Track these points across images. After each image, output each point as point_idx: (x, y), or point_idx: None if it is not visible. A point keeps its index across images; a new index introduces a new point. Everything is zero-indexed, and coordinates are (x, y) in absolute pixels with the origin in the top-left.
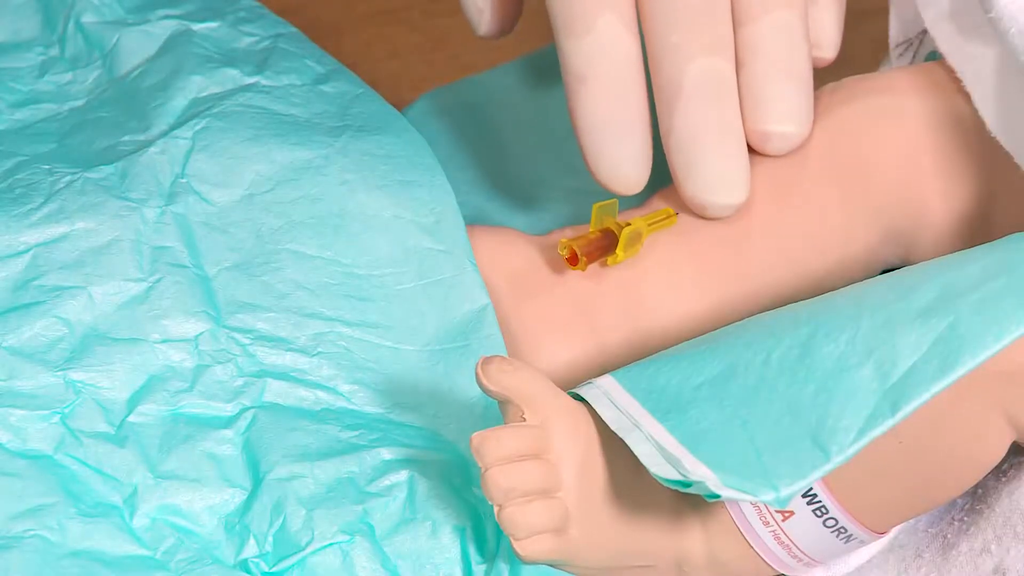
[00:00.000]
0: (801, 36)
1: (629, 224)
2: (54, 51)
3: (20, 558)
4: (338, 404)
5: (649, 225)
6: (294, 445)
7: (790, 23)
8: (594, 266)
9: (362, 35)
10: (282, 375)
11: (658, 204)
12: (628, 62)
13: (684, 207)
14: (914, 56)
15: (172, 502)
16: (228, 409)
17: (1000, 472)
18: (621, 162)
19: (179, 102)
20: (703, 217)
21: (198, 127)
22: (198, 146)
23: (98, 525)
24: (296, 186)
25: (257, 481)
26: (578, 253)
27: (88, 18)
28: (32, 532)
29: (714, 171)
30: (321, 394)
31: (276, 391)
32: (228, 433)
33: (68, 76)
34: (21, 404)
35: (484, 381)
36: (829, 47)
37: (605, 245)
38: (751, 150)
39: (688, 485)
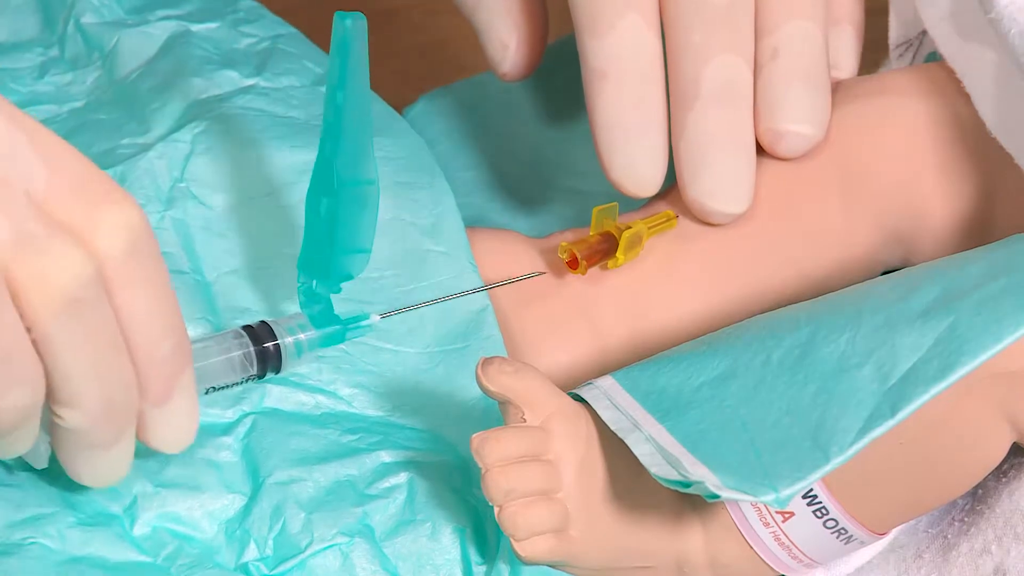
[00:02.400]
0: (821, 45)
1: (629, 227)
2: (54, 52)
3: (20, 564)
4: (339, 408)
5: (649, 228)
6: (294, 449)
7: (811, 31)
8: (594, 269)
9: None
10: (282, 380)
11: (658, 206)
12: (650, 61)
13: (685, 210)
14: (914, 57)
15: (172, 510)
16: (228, 415)
17: (1000, 473)
18: (636, 160)
19: (178, 104)
20: (704, 222)
21: (197, 130)
22: (197, 150)
23: (98, 533)
24: (295, 189)
25: (257, 486)
26: (578, 257)
27: (88, 19)
28: (31, 540)
29: (720, 178)
30: (321, 398)
31: (276, 396)
32: (227, 440)
33: (68, 77)
34: None
35: (484, 382)
36: (846, 70)
37: (605, 249)
38: (759, 152)
39: (688, 485)
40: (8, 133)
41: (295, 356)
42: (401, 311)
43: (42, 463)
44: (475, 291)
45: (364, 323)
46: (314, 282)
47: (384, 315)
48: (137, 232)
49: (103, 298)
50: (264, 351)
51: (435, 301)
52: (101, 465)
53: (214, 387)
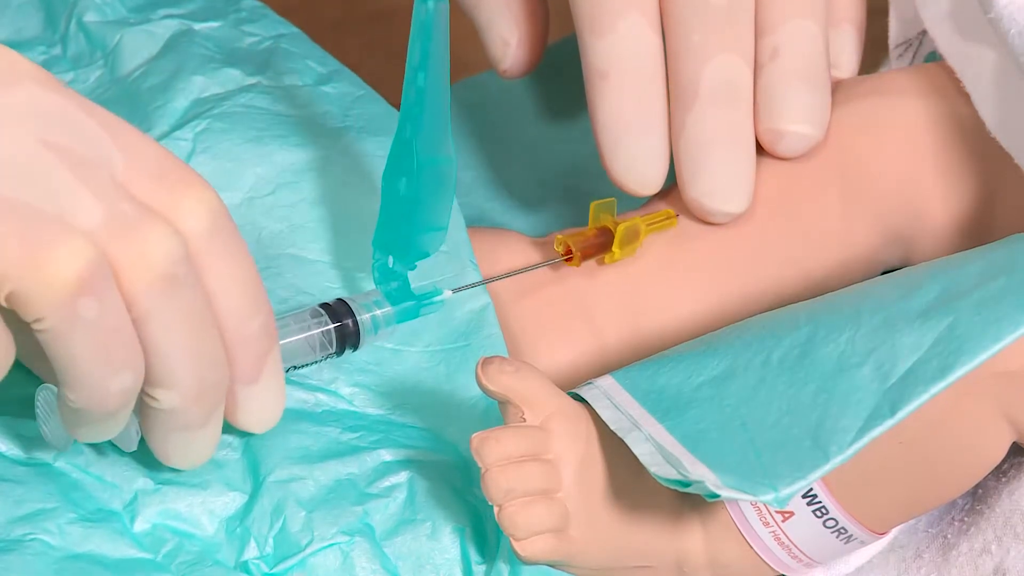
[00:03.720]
0: (821, 44)
1: (626, 222)
2: (56, 50)
3: (19, 560)
4: (339, 406)
5: (648, 225)
6: (294, 448)
7: (811, 31)
8: (594, 267)
9: (364, 36)
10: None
11: (658, 206)
12: (650, 60)
13: (684, 209)
14: (914, 57)
15: (172, 507)
16: None
17: (1000, 472)
18: (638, 159)
19: (180, 103)
20: (703, 222)
21: (199, 128)
22: (199, 148)
23: (98, 529)
24: (297, 189)
25: (257, 484)
26: (573, 249)
27: (90, 17)
28: (31, 536)
29: (719, 178)
30: (322, 397)
31: None
32: (228, 437)
33: (70, 76)
34: (20, 412)
35: (484, 381)
36: (846, 70)
37: (601, 242)
38: (759, 152)
39: (687, 485)
40: (87, 122)
41: (372, 332)
42: (472, 286)
43: (132, 446)
44: (544, 264)
45: (437, 299)
46: (390, 259)
47: (456, 291)
48: (217, 212)
49: (194, 276)
50: (343, 328)
51: (506, 275)
52: (191, 446)
53: (295, 366)
